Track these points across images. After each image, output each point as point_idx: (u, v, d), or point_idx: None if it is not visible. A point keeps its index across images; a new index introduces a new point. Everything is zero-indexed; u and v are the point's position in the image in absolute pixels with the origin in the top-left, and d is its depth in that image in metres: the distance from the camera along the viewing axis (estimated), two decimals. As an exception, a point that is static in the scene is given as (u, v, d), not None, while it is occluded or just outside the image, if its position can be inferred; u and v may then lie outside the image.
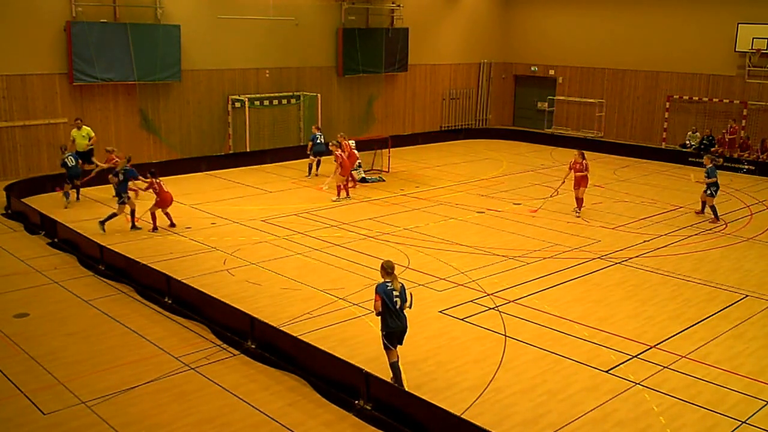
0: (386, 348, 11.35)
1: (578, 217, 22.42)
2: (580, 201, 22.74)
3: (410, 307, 11.31)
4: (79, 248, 17.88)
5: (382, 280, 11.26)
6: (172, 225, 20.29)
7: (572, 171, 22.69)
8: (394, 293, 11.12)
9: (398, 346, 11.45)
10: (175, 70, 28.18)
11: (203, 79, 29.55)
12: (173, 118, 28.98)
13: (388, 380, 11.11)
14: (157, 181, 20.05)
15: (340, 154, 24.00)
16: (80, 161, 23.28)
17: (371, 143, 28.82)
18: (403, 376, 11.58)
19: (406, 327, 11.40)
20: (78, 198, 23.10)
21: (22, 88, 25.31)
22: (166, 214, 20.33)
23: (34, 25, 25.24)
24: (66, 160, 22.32)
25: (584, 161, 22.59)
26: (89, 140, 24.51)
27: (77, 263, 17.41)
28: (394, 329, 11.25)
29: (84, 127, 24.75)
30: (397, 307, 11.14)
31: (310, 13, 32.31)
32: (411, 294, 11.42)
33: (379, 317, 11.27)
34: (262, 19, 30.32)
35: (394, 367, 11.36)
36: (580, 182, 22.61)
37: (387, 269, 11.24)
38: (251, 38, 30.54)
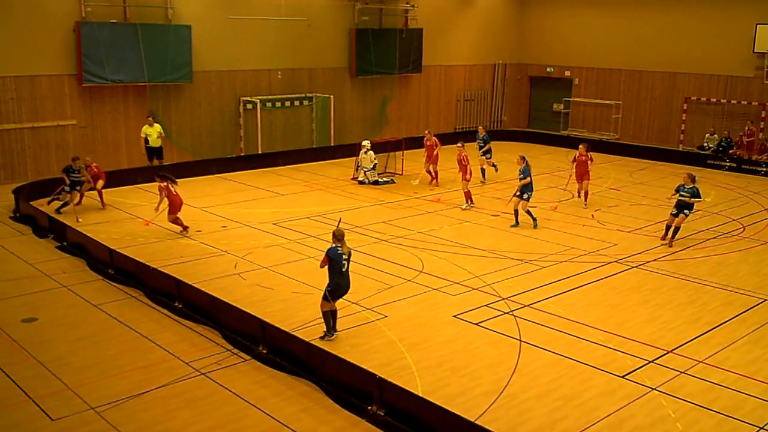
0: (325, 299, 13.15)
1: (585, 208, 23.55)
2: (585, 194, 23.85)
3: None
4: (89, 252, 17.79)
5: (333, 245, 13.03)
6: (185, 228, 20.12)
7: (574, 163, 23.86)
8: (343, 256, 12.97)
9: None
10: (186, 71, 28.13)
11: (214, 80, 29.49)
12: (184, 120, 28.93)
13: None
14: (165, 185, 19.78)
15: (466, 156, 23.59)
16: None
17: (385, 145, 28.69)
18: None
19: (348, 286, 13.30)
20: None
21: (31, 90, 25.26)
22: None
23: (43, 26, 25.20)
24: None
25: (588, 154, 23.61)
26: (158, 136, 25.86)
27: (86, 267, 17.31)
28: (339, 287, 13.12)
29: (156, 124, 25.68)
30: (344, 269, 13.00)
31: (323, 14, 32.23)
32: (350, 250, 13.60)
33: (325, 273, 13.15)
34: (274, 19, 30.25)
35: (326, 316, 13.26)
36: (583, 173, 23.63)
37: (338, 236, 13.03)
38: (263, 39, 30.47)
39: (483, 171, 27.53)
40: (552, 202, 23.52)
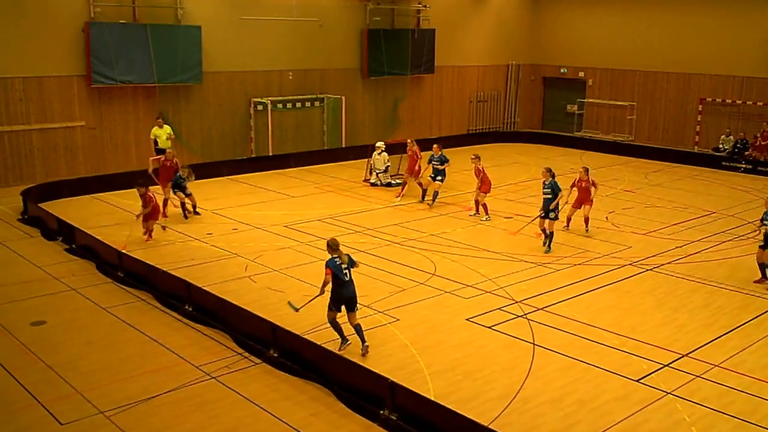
0: (330, 309, 12.77)
1: (587, 234, 20.60)
2: (586, 220, 20.67)
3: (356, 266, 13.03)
4: (98, 254, 17.72)
5: (330, 256, 12.56)
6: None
7: (574, 189, 20.79)
8: (343, 266, 12.50)
9: (350, 313, 12.83)
10: (196, 71, 28.04)
11: (225, 81, 29.39)
12: (194, 121, 28.85)
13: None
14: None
15: (482, 168, 21.97)
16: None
17: (397, 147, 28.53)
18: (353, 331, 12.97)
19: (353, 294, 12.71)
20: None
21: (39, 91, 25.17)
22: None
23: (52, 26, 25.11)
24: None
25: (589, 178, 20.54)
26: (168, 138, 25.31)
27: (95, 270, 17.23)
28: (341, 297, 12.62)
29: (165, 125, 25.29)
30: (347, 279, 12.55)
31: (334, 14, 32.14)
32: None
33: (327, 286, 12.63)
34: (285, 19, 30.16)
35: (334, 323, 12.85)
36: (584, 200, 20.64)
37: (332, 246, 12.62)
38: (274, 39, 30.38)
39: (435, 194, 23.79)
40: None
